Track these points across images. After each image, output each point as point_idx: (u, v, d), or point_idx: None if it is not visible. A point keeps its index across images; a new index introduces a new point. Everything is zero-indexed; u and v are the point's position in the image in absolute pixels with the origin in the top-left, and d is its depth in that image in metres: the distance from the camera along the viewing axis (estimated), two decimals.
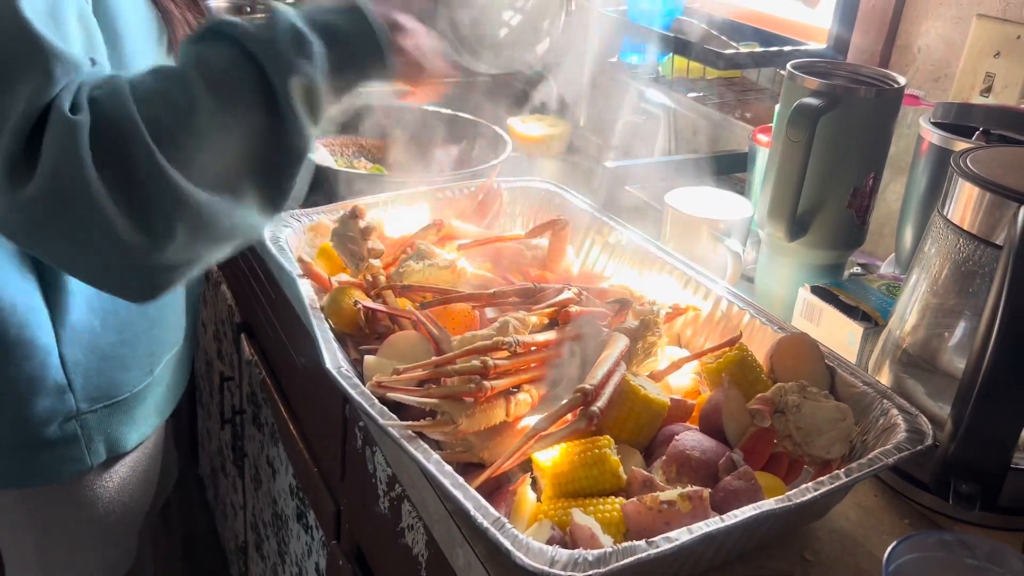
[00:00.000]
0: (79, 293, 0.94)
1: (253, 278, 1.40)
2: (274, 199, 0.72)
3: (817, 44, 1.28)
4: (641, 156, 1.47)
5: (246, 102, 0.68)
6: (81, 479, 1.02)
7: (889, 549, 0.53)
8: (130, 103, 0.63)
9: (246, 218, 0.70)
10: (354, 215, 0.87)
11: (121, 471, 1.07)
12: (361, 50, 0.75)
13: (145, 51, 0.91)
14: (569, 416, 0.69)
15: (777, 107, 1.03)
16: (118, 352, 1.00)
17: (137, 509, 1.14)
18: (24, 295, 0.90)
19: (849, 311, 0.91)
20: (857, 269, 1.16)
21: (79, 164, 0.61)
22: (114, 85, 0.65)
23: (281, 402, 1.31)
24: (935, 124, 0.98)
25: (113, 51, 0.83)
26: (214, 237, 0.68)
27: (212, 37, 0.69)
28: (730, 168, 1.27)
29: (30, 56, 0.65)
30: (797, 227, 0.95)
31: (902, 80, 0.93)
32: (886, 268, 1.11)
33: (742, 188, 1.27)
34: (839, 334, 0.91)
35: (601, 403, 0.68)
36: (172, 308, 1.10)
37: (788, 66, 0.95)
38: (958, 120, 0.99)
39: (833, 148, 0.92)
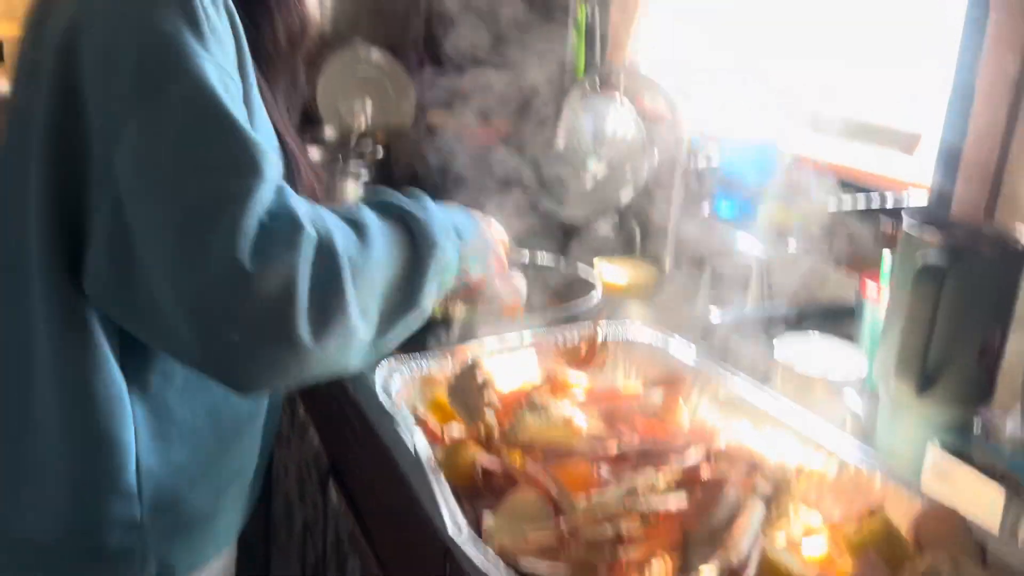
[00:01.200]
0: (160, 395, 0.93)
1: (343, 422, 1.40)
2: (384, 342, 0.82)
3: (917, 190, 1.28)
4: (734, 305, 1.46)
5: (400, 260, 0.81)
6: None
7: None
8: (334, 236, 0.74)
9: (365, 351, 0.79)
10: (472, 368, 0.87)
11: None
12: (477, 249, 0.95)
13: None
14: None
15: (887, 258, 1.02)
16: (187, 468, 0.97)
17: None
18: (116, 388, 0.88)
19: (985, 471, 0.86)
20: (978, 419, 1.11)
21: (299, 260, 0.71)
22: (316, 211, 0.76)
23: (370, 551, 1.28)
24: None
25: None
26: (344, 356, 0.77)
27: (384, 207, 0.84)
28: (832, 318, 1.24)
29: (245, 154, 0.72)
30: (926, 381, 0.91)
31: None
32: (1011, 424, 1.06)
33: (846, 337, 1.24)
34: (974, 498, 0.86)
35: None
36: (247, 435, 1.08)
37: (905, 220, 0.94)
38: None
39: (960, 303, 0.90)
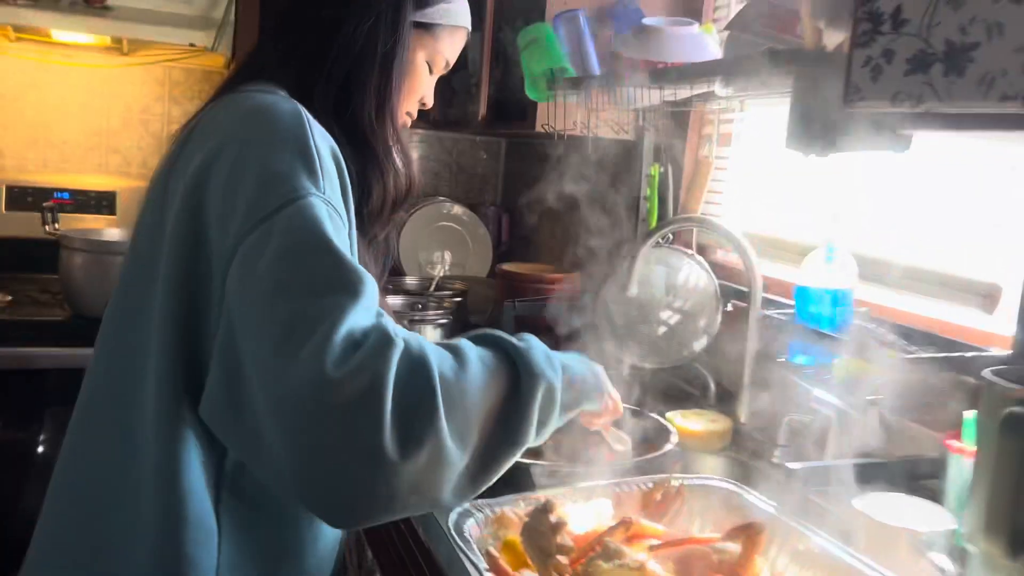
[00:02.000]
0: (250, 520, 0.92)
1: (413, 567, 1.39)
2: (480, 475, 0.82)
3: (999, 350, 1.26)
4: (810, 458, 1.43)
5: (500, 388, 0.83)
6: None
7: None
8: (427, 352, 0.78)
9: (458, 481, 0.79)
10: (546, 510, 0.87)
11: None
12: (586, 386, 0.97)
13: None
14: None
15: (972, 413, 1.00)
16: None
17: None
18: (208, 517, 0.88)
19: None
20: None
21: (386, 369, 0.73)
22: (412, 334, 0.79)
23: None
24: None
25: None
26: (435, 482, 0.77)
27: (485, 339, 0.89)
28: (915, 475, 1.21)
29: (344, 278, 0.77)
30: (1019, 543, 0.87)
31: None
32: None
33: (929, 496, 1.20)
34: None
35: None
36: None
37: (986, 372, 0.93)
38: None
39: None
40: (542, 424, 0.86)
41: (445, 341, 0.84)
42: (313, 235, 0.78)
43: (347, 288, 0.77)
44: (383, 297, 1.20)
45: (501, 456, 0.81)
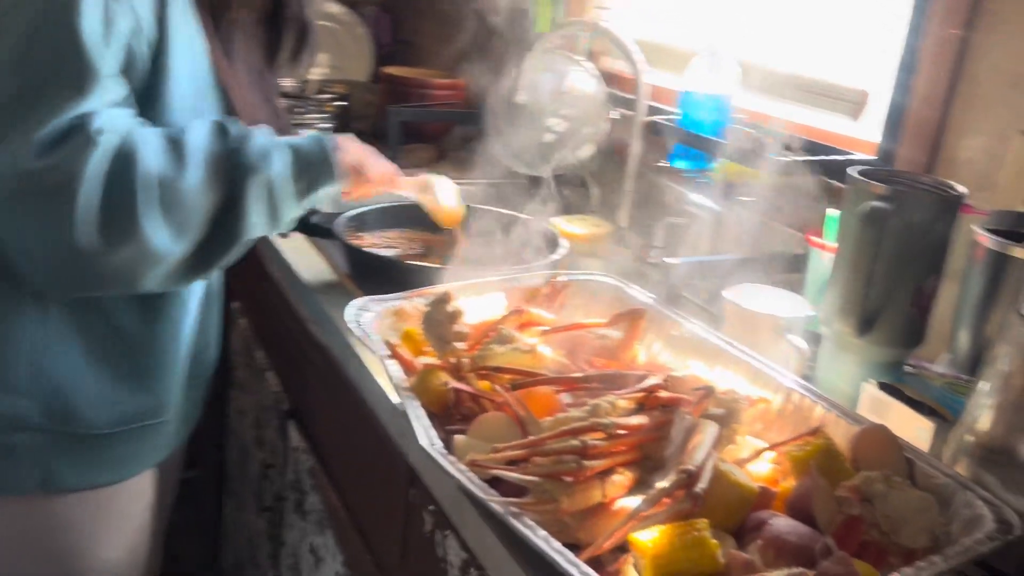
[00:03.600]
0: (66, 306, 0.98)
1: (306, 364, 1.43)
2: (200, 266, 0.93)
3: (864, 155, 1.35)
4: (688, 256, 1.52)
5: (220, 186, 0.91)
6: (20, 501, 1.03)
7: None
8: (138, 153, 0.83)
9: (175, 269, 0.90)
10: (444, 300, 0.91)
11: (65, 512, 1.06)
12: (317, 168, 1.00)
13: (185, 110, 0.99)
14: (667, 500, 0.71)
15: (830, 211, 1.08)
16: (88, 383, 1.01)
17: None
18: (12, 293, 0.95)
19: (916, 406, 0.93)
20: (910, 370, 1.19)
21: (81, 168, 0.79)
22: (140, 131, 0.84)
23: (332, 488, 1.32)
24: (989, 230, 1.03)
25: (157, 95, 0.94)
26: (142, 271, 0.87)
27: (216, 131, 0.93)
28: (780, 269, 1.31)
29: (73, 73, 0.80)
30: (865, 324, 0.98)
31: (962, 188, 0.99)
32: (940, 365, 1.14)
33: (791, 288, 1.31)
34: (906, 429, 0.93)
35: (704, 484, 0.70)
36: (157, 371, 1.09)
37: (852, 171, 1.00)
38: (1012, 227, 1.03)
39: (899, 249, 0.96)
40: (273, 215, 0.96)
41: (176, 136, 0.88)
42: (58, 23, 0.80)
43: (74, 80, 0.80)
44: (276, 98, 1.16)
45: (221, 250, 0.91)
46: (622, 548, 0.73)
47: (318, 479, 1.36)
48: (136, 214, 0.83)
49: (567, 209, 1.73)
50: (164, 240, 0.86)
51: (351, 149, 1.07)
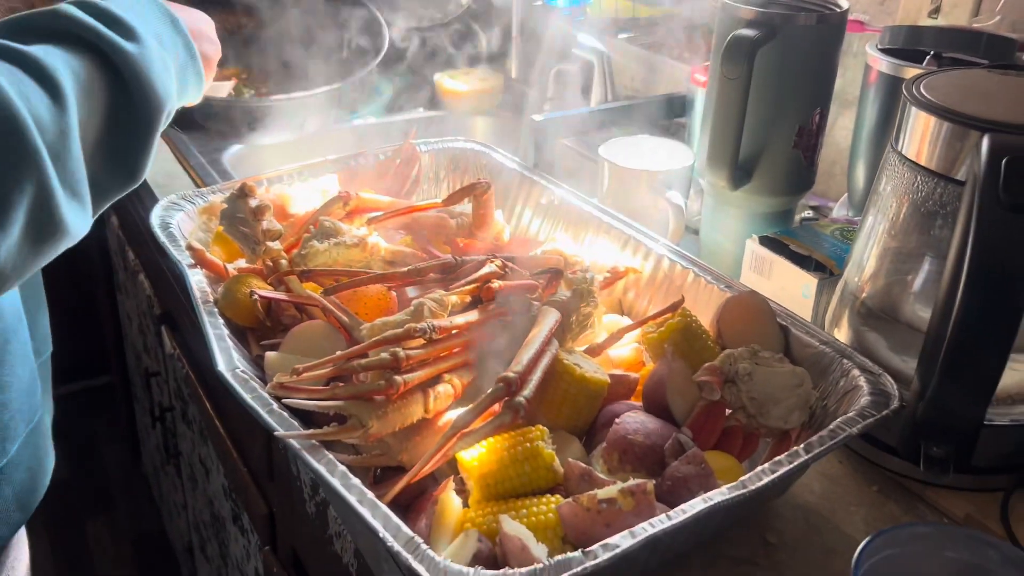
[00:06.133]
0: None
1: (167, 267, 1.30)
2: (99, 204, 0.62)
3: None
4: (576, 106, 1.38)
5: (108, 117, 0.60)
6: None
7: (859, 548, 0.46)
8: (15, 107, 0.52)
9: (78, 224, 0.59)
10: (243, 194, 0.77)
11: None
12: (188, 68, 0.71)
13: None
14: (496, 407, 0.61)
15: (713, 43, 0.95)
16: None
17: None
18: None
19: (801, 261, 0.84)
20: (809, 213, 1.09)
21: None
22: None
23: (206, 398, 1.22)
24: (883, 51, 0.90)
25: None
26: (52, 243, 0.57)
27: (80, 44, 0.59)
28: (669, 113, 1.18)
29: None
30: (740, 174, 0.87)
31: (845, 4, 0.85)
32: (839, 210, 1.04)
33: (683, 134, 1.18)
34: (792, 287, 0.84)
35: (528, 392, 0.60)
36: (20, 377, 0.78)
37: None
38: (907, 45, 0.91)
39: (774, 84, 0.84)
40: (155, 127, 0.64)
41: (42, 61, 0.55)
42: None
43: None
44: None
45: (118, 187, 0.63)
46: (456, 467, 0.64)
47: (193, 388, 1.25)
48: (26, 181, 0.55)
49: (452, 65, 1.56)
50: (71, 204, 0.59)
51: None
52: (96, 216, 0.62)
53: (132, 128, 0.62)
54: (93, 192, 0.59)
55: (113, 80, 0.60)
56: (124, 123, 0.61)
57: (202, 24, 0.77)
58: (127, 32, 0.61)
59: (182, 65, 0.69)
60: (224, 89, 1.30)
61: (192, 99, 0.74)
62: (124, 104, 0.61)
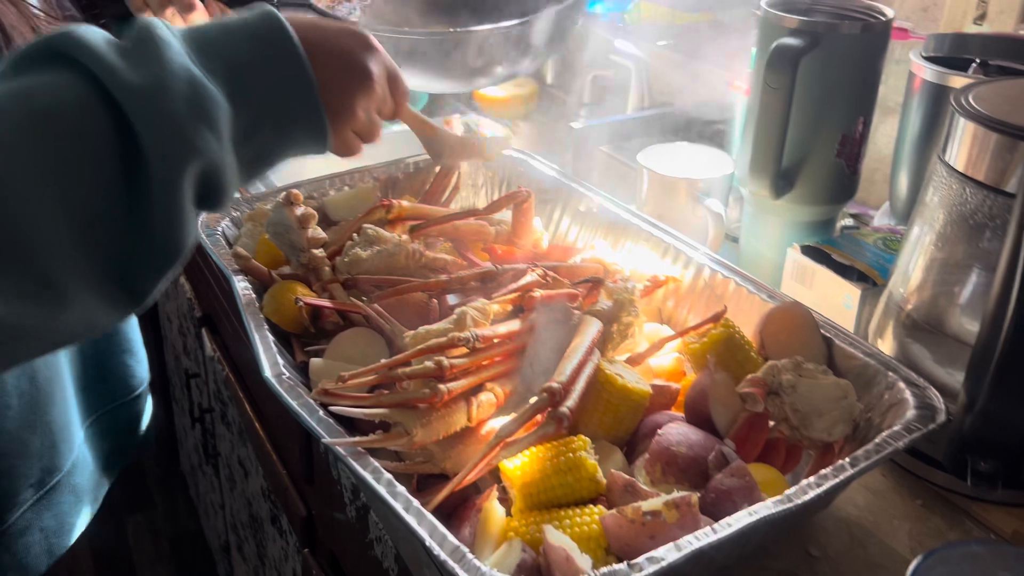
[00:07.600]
0: None
1: (208, 270, 1.32)
2: (128, 300, 0.47)
3: None
4: (613, 113, 1.38)
5: (91, 167, 0.43)
6: None
7: (912, 567, 0.46)
8: None
9: (82, 320, 0.45)
10: (288, 202, 0.78)
11: None
12: (286, 100, 0.51)
13: None
14: (539, 417, 0.62)
15: (753, 50, 0.94)
16: None
17: None
18: None
19: (844, 271, 0.83)
20: (849, 221, 1.08)
21: None
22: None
23: (246, 400, 1.23)
24: (927, 58, 0.89)
25: None
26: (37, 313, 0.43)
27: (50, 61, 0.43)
28: (708, 120, 1.18)
29: None
30: (782, 182, 0.86)
31: (889, 12, 0.84)
32: (880, 218, 1.03)
33: (723, 141, 1.18)
34: (835, 297, 0.83)
35: (571, 402, 0.60)
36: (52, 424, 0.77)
37: (762, 3, 0.86)
38: (952, 53, 0.90)
39: (817, 93, 0.83)
40: (212, 195, 0.48)
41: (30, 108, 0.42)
42: None
43: None
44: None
45: (148, 272, 0.46)
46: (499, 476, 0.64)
47: (233, 390, 1.27)
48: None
49: None
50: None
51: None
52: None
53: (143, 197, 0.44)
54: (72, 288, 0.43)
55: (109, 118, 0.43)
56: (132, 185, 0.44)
57: (345, 42, 0.57)
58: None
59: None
60: None
61: (301, 148, 0.55)
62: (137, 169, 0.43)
